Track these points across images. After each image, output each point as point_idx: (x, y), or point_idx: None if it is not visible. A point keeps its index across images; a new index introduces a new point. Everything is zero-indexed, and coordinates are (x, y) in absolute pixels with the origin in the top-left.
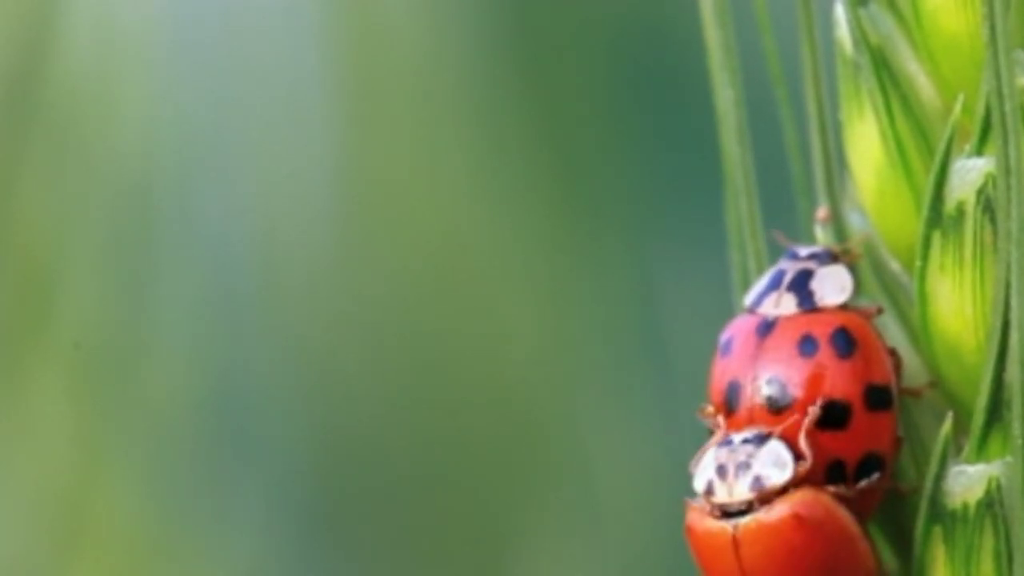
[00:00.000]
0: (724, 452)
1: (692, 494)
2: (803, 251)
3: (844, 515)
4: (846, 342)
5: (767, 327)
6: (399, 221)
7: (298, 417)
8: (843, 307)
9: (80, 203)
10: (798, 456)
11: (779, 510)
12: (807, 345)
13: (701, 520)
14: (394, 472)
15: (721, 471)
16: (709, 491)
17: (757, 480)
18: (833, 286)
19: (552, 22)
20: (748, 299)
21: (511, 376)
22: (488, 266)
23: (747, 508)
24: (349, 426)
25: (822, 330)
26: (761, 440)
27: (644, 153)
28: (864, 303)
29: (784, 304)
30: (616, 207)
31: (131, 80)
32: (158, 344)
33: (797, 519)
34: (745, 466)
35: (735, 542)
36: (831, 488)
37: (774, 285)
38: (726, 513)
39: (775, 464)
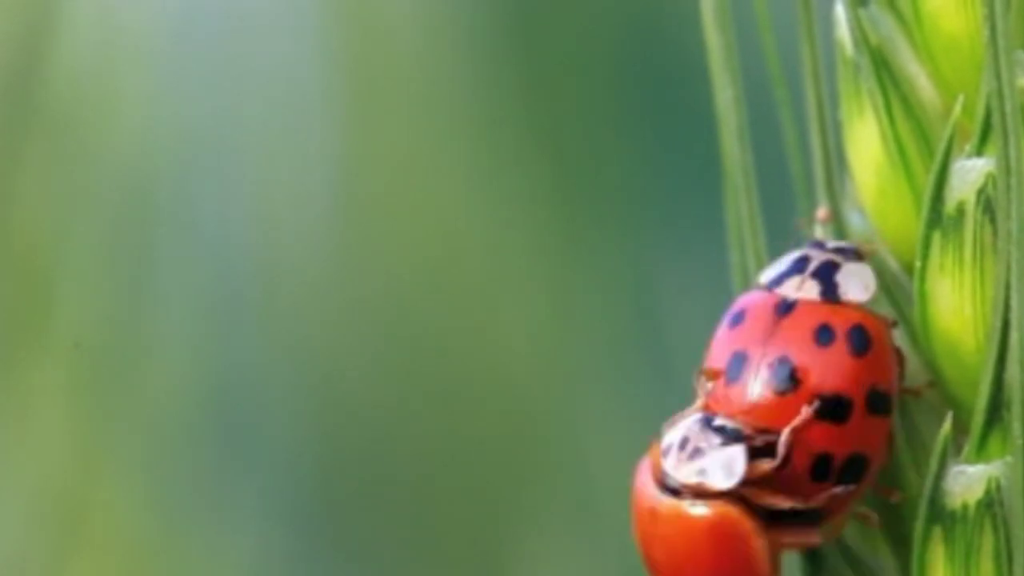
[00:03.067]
0: (697, 427)
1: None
2: (830, 243)
3: (760, 546)
4: (862, 340)
5: (787, 307)
6: (399, 221)
7: (298, 416)
8: (864, 307)
9: (80, 203)
10: (771, 453)
11: (700, 511)
12: (824, 335)
13: (642, 476)
14: (394, 472)
15: (682, 443)
16: (663, 454)
17: (700, 472)
18: (858, 283)
19: (552, 22)
20: (765, 277)
21: (511, 375)
22: (488, 266)
23: (678, 491)
24: (349, 426)
25: (841, 323)
26: (731, 438)
27: (644, 153)
28: (882, 313)
29: (807, 289)
30: (616, 207)
31: (131, 79)
32: (158, 344)
33: (710, 528)
34: (699, 452)
35: (653, 515)
36: (779, 500)
37: (797, 269)
38: (662, 483)
39: (724, 469)
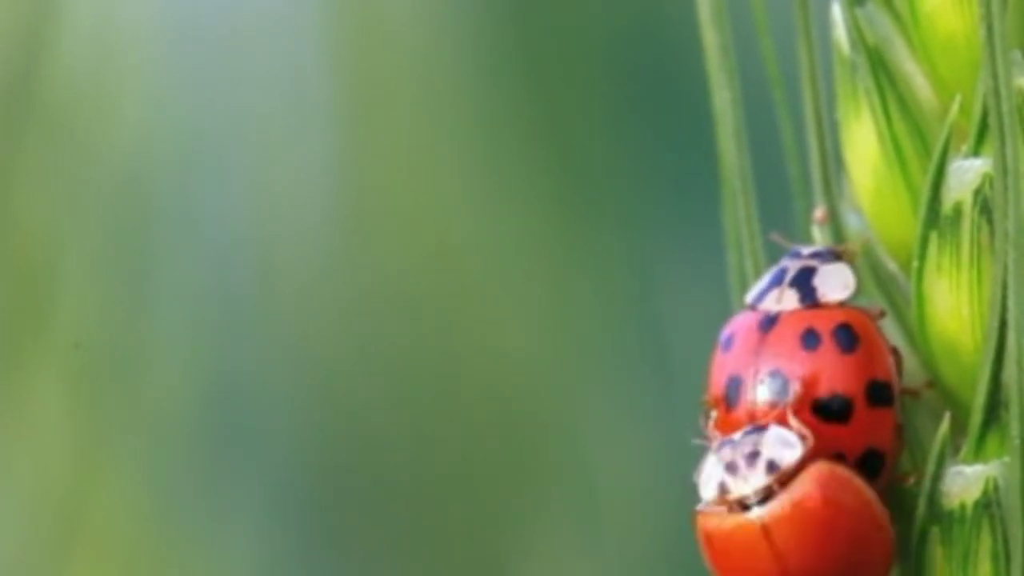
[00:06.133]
0: (728, 450)
1: (693, 494)
2: (805, 250)
3: (859, 481)
4: (849, 337)
5: (769, 322)
6: (398, 221)
7: (297, 417)
8: (845, 304)
9: (79, 203)
10: (801, 437)
11: (801, 485)
12: (810, 339)
13: (722, 521)
14: (394, 472)
15: (731, 467)
16: (724, 491)
17: (772, 464)
18: (836, 283)
19: (551, 22)
20: (749, 296)
21: (511, 376)
22: (487, 266)
23: (768, 494)
24: (349, 426)
25: (825, 325)
26: (761, 429)
27: (643, 153)
28: (867, 305)
29: (786, 300)
30: (615, 207)
31: (130, 79)
32: (158, 344)
33: (821, 490)
34: (755, 455)
35: (765, 530)
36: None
37: (776, 282)
38: (746, 506)
39: (784, 445)
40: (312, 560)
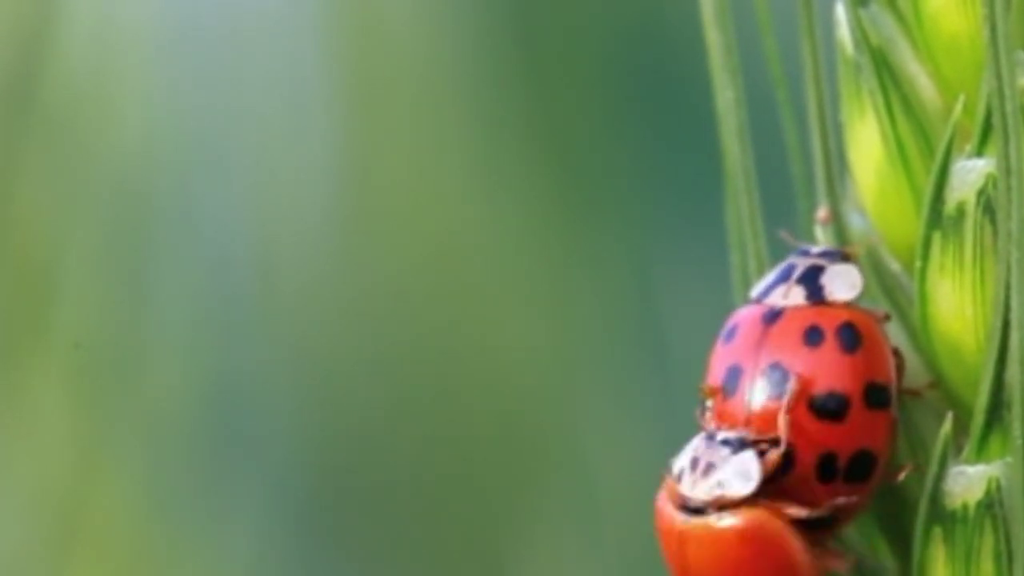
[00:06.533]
0: (703, 445)
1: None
2: (814, 249)
3: (795, 543)
4: (852, 337)
5: (774, 316)
6: (399, 221)
7: (297, 417)
8: (851, 304)
9: (80, 203)
10: (775, 441)
11: (729, 522)
12: (813, 336)
13: (664, 503)
14: (394, 472)
15: (693, 463)
16: (679, 478)
17: (719, 485)
18: (843, 283)
19: (552, 22)
20: (755, 291)
21: (511, 376)
22: (488, 266)
23: (702, 509)
24: (349, 426)
25: (829, 323)
26: (739, 446)
27: (644, 153)
28: (872, 308)
29: (793, 296)
30: (616, 207)
31: (130, 80)
32: (158, 344)
33: (743, 535)
34: (712, 467)
35: (682, 536)
36: (794, 510)
37: (783, 278)
38: (684, 506)
39: (740, 475)
40: (312, 560)
